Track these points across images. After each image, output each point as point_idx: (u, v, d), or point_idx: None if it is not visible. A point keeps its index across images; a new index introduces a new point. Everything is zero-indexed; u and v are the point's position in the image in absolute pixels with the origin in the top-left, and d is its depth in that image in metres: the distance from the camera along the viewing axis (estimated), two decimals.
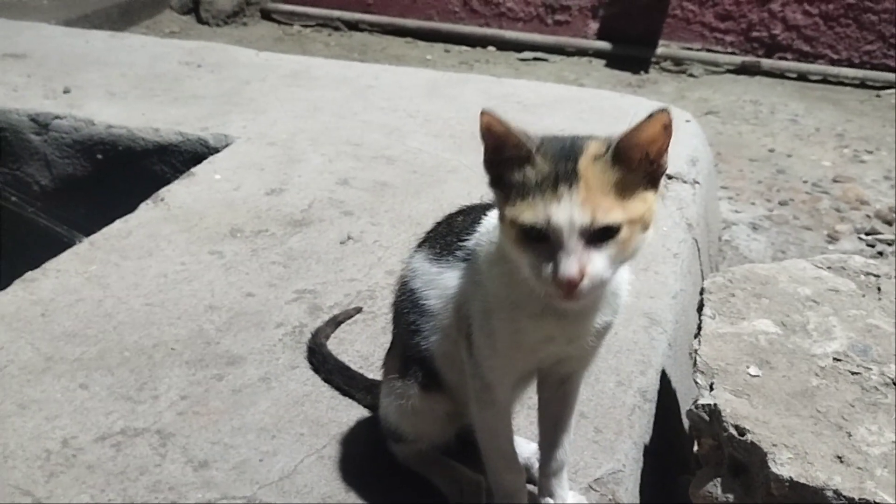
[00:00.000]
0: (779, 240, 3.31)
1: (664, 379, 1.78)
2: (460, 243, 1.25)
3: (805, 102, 4.81)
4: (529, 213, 1.03)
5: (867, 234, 3.38)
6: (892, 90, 4.93)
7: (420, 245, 1.35)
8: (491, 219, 1.21)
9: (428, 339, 1.28)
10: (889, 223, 3.46)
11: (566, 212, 1.01)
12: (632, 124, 1.05)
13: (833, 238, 3.35)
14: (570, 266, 1.01)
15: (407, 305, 1.32)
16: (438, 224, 1.36)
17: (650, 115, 1.04)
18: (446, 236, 1.29)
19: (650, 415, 1.65)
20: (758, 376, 1.42)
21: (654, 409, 1.68)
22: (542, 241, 1.03)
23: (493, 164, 1.09)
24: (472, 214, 1.29)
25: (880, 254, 3.27)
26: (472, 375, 1.22)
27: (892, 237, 3.36)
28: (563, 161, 1.03)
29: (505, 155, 1.06)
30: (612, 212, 1.02)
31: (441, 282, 1.25)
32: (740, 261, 3.15)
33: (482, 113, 1.04)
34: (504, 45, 5.55)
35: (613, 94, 3.43)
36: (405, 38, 5.74)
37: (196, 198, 2.37)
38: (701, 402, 1.38)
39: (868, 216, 3.52)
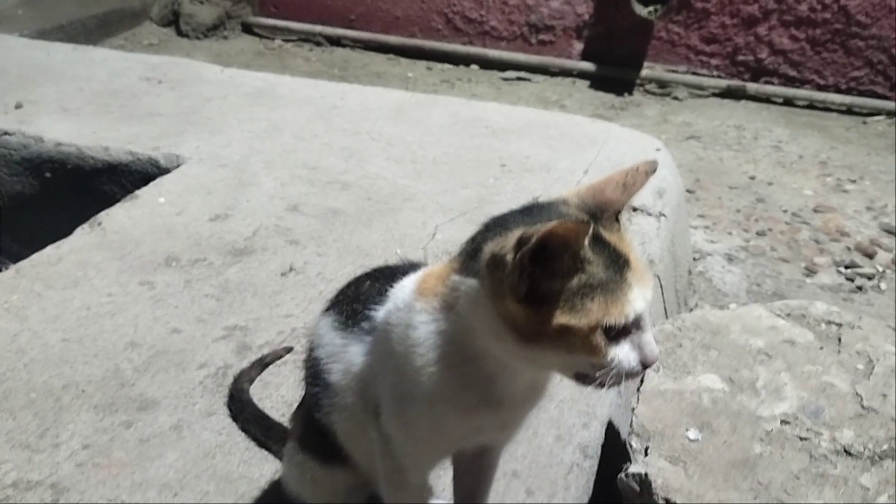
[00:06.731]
0: (754, 272, 3.20)
1: (611, 431, 1.66)
2: (366, 313, 1.10)
3: (790, 128, 4.71)
4: (615, 311, 0.90)
5: (846, 267, 3.26)
6: (879, 117, 4.84)
7: (328, 308, 1.19)
8: (401, 293, 1.05)
9: (329, 416, 1.14)
10: (870, 256, 3.35)
11: (642, 296, 0.92)
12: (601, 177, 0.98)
13: (811, 271, 3.23)
14: (654, 345, 0.94)
15: (310, 375, 1.18)
16: (348, 285, 1.21)
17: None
18: (353, 303, 1.14)
19: (591, 473, 1.53)
20: (697, 441, 1.30)
21: (597, 465, 1.57)
22: (618, 334, 0.92)
23: (535, 278, 0.89)
24: (379, 280, 1.14)
25: (859, 288, 3.15)
26: (382, 455, 1.09)
27: (872, 271, 3.25)
28: (604, 247, 0.91)
29: (563, 266, 0.89)
30: (649, 274, 0.95)
31: (346, 356, 1.10)
32: (713, 294, 3.04)
33: (561, 224, 0.85)
34: (487, 64, 5.46)
35: (584, 119, 3.32)
36: (387, 54, 5.65)
37: (135, 222, 2.26)
38: (632, 469, 1.26)
39: (848, 248, 3.41)
